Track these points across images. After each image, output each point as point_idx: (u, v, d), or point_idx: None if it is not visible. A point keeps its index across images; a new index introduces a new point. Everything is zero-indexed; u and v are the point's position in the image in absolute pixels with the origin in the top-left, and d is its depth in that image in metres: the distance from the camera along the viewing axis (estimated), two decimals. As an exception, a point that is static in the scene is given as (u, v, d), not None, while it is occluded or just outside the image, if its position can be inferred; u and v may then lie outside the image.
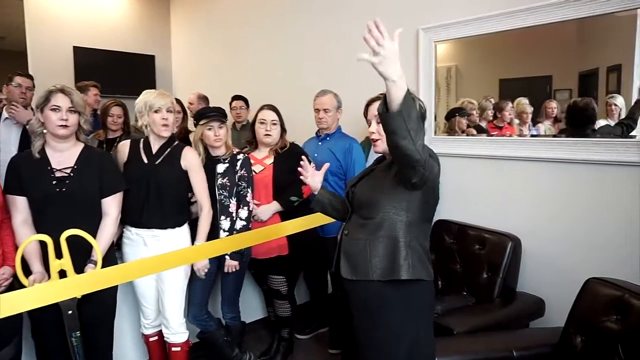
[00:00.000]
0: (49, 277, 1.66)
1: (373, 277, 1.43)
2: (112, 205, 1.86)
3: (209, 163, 2.24)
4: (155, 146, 2.06)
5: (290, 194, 2.38)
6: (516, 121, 2.39)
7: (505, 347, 1.71)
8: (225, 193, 2.21)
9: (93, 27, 4.57)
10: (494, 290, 2.18)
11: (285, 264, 2.45)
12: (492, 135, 2.46)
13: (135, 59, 4.81)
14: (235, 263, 2.22)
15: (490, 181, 2.44)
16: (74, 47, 4.42)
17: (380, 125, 1.36)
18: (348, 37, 3.02)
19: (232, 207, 2.22)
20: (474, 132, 2.54)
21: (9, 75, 3.02)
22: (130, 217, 2.00)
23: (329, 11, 3.28)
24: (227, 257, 2.19)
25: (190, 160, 2.08)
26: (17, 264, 1.61)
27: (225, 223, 2.20)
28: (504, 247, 2.20)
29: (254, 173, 2.34)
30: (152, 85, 4.71)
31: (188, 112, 3.51)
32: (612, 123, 2.03)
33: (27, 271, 1.68)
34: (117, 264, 1.91)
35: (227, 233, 2.19)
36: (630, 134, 1.96)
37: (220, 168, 2.24)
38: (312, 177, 1.75)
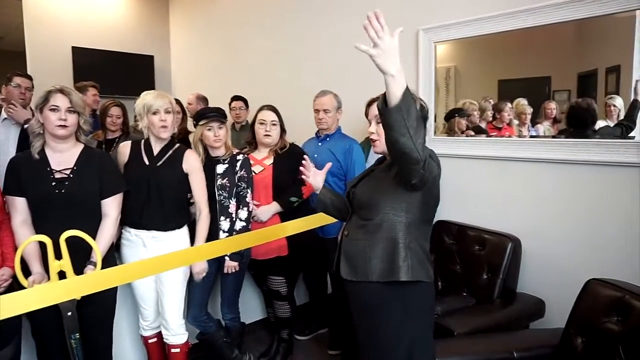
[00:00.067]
0: (49, 278, 1.66)
1: (372, 278, 1.43)
2: (111, 207, 1.86)
3: (209, 163, 2.23)
4: (156, 148, 2.06)
5: (290, 195, 2.38)
6: (515, 122, 2.39)
7: (505, 348, 1.71)
8: (224, 194, 2.21)
9: (92, 27, 4.57)
10: (494, 291, 2.18)
11: (284, 264, 2.45)
12: (491, 136, 2.46)
13: (134, 59, 4.80)
14: (235, 264, 2.22)
15: (490, 182, 2.44)
16: (73, 47, 4.42)
17: (380, 125, 1.36)
18: (348, 37, 3.02)
19: (232, 208, 2.22)
20: (472, 133, 2.54)
21: (8, 76, 3.01)
22: (129, 218, 1.99)
23: (328, 11, 3.28)
24: (226, 258, 2.18)
25: (192, 163, 2.08)
26: (16, 265, 1.60)
27: (224, 224, 2.19)
28: (504, 247, 2.20)
29: (253, 174, 2.34)
30: (151, 86, 4.71)
31: (187, 112, 3.51)
32: (612, 124, 2.03)
33: (27, 272, 1.68)
34: (116, 265, 1.90)
35: (227, 234, 2.19)
36: (630, 135, 1.97)
37: (220, 169, 2.23)
38: (314, 177, 1.75)
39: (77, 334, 1.71)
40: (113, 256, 1.95)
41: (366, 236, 1.48)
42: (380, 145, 1.50)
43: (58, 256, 1.61)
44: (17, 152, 2.61)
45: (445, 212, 2.49)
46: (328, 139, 2.65)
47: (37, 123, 1.76)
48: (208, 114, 2.25)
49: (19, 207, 1.74)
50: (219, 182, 2.21)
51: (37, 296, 1.48)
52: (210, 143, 2.24)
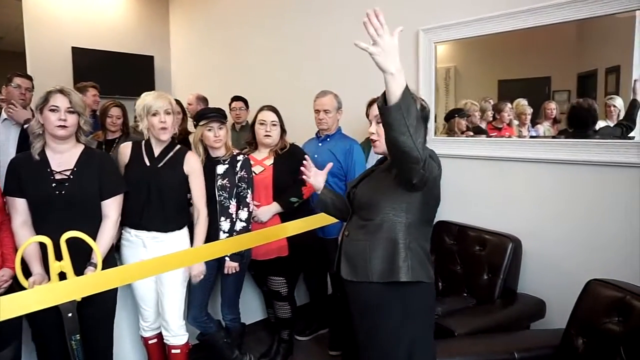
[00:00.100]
0: (49, 279, 1.65)
1: (373, 279, 1.43)
2: (112, 208, 1.85)
3: (209, 164, 2.23)
4: (157, 149, 2.06)
5: (290, 195, 2.38)
6: (515, 122, 2.39)
7: (506, 348, 1.70)
8: (225, 194, 2.21)
9: (92, 28, 4.56)
10: (495, 292, 2.17)
11: (285, 265, 2.44)
12: (491, 137, 2.46)
13: (134, 60, 4.80)
14: (235, 264, 2.22)
15: (491, 182, 2.44)
16: (73, 47, 4.41)
17: (380, 125, 1.36)
18: (348, 37, 2.99)
19: (232, 208, 2.22)
20: (471, 134, 2.54)
21: (8, 76, 3.01)
22: (130, 219, 1.99)
23: (328, 11, 3.27)
24: (227, 258, 2.18)
25: (193, 165, 2.08)
26: (17, 266, 1.60)
27: (225, 224, 2.19)
28: (504, 248, 2.20)
29: (253, 174, 2.34)
30: (151, 86, 4.71)
31: (187, 113, 3.50)
32: (612, 124, 2.03)
33: (27, 273, 1.67)
34: (116, 265, 1.90)
35: (227, 234, 2.19)
36: (629, 135, 1.97)
37: (220, 169, 2.23)
38: (315, 177, 1.75)
39: (78, 335, 1.71)
40: (113, 257, 1.95)
41: (366, 236, 1.48)
42: (381, 145, 1.50)
43: (58, 257, 1.61)
44: (17, 153, 2.60)
45: (446, 212, 2.49)
46: (328, 139, 2.65)
47: (37, 124, 1.75)
48: (208, 114, 2.25)
49: (19, 208, 1.74)
50: (219, 182, 2.21)
51: (37, 297, 1.48)
52: (211, 143, 2.24)
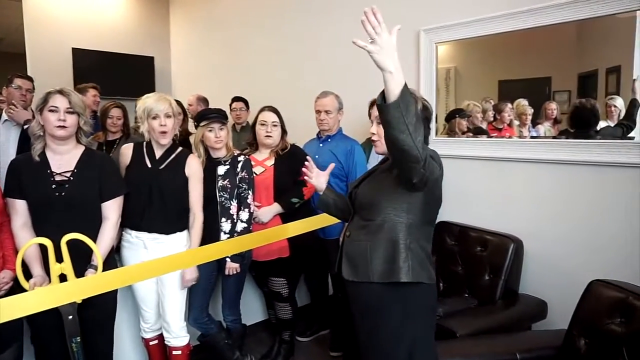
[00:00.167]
0: (50, 280, 1.65)
1: (373, 279, 1.43)
2: (112, 210, 1.85)
3: (210, 165, 2.23)
4: (158, 151, 2.05)
5: (291, 196, 2.38)
6: (516, 122, 2.38)
7: (508, 349, 1.70)
8: (225, 195, 2.20)
9: (92, 29, 4.56)
10: (496, 292, 2.17)
11: (286, 266, 2.44)
12: (491, 137, 2.46)
13: (135, 61, 4.80)
14: (236, 265, 2.21)
15: (492, 183, 2.44)
16: (73, 48, 4.41)
17: (381, 125, 1.36)
18: (348, 37, 2.98)
19: (233, 209, 2.21)
20: (472, 135, 2.54)
21: (8, 77, 3.01)
22: (130, 220, 1.99)
23: (328, 11, 3.27)
24: (227, 259, 2.18)
25: (193, 168, 2.07)
26: (17, 268, 1.60)
27: (226, 225, 2.19)
28: (505, 248, 2.20)
29: (254, 175, 2.34)
30: (151, 87, 4.71)
31: (188, 113, 3.50)
32: (612, 124, 2.03)
33: (28, 274, 1.67)
34: (117, 267, 1.90)
35: (228, 235, 2.18)
36: (630, 135, 1.96)
37: (221, 170, 2.23)
38: (317, 178, 1.75)
39: (78, 338, 1.71)
40: (114, 258, 1.95)
41: (368, 237, 1.47)
42: (381, 145, 1.50)
43: (59, 259, 1.61)
44: (18, 154, 2.60)
45: (447, 213, 2.48)
46: (329, 140, 2.65)
47: (38, 125, 1.75)
48: (209, 115, 2.25)
49: (19, 209, 1.74)
50: (220, 183, 2.21)
51: (38, 299, 1.48)
52: (212, 144, 2.23)
